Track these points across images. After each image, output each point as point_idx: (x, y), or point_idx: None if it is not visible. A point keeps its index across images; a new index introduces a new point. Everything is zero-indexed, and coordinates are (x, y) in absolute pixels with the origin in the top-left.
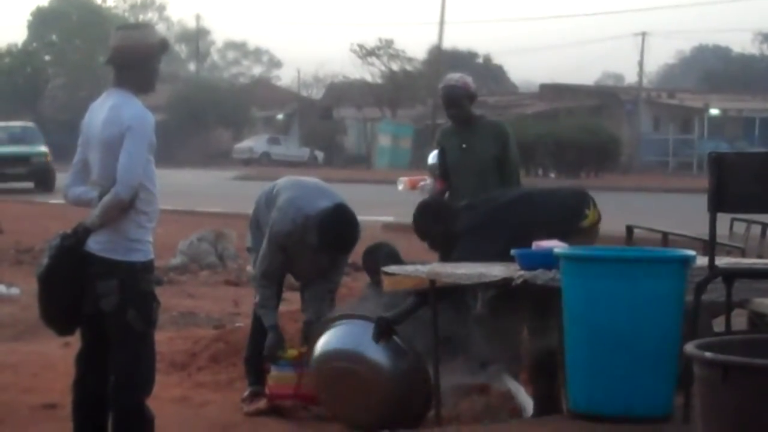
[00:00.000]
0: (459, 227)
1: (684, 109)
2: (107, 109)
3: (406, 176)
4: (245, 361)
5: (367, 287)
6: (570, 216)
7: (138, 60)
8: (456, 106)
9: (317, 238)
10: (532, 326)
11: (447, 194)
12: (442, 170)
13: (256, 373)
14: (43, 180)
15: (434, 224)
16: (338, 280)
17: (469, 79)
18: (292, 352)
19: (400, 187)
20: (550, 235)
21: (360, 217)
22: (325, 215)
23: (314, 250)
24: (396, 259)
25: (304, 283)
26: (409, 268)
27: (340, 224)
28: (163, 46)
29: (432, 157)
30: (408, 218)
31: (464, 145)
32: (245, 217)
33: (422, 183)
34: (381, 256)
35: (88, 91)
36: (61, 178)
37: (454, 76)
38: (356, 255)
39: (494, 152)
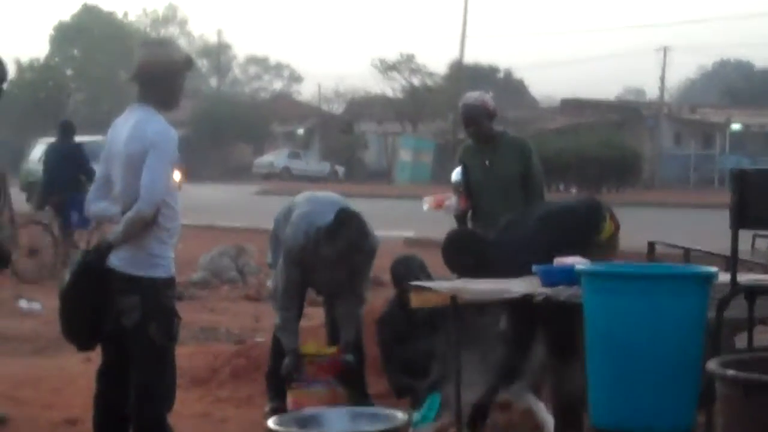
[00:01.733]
0: (489, 264)
1: (706, 124)
2: (131, 125)
3: (431, 195)
4: (266, 376)
5: (389, 304)
6: (586, 233)
7: (163, 76)
8: (475, 124)
9: (328, 247)
10: (552, 346)
11: (471, 212)
12: (466, 187)
13: (277, 389)
14: None
15: (463, 257)
16: (363, 293)
17: (487, 97)
18: (330, 350)
19: (425, 207)
20: (570, 254)
21: (382, 233)
22: (331, 223)
23: (331, 261)
24: (426, 273)
25: (328, 299)
26: (432, 284)
27: (345, 227)
28: (188, 63)
29: (455, 174)
30: (429, 233)
31: (487, 163)
32: (266, 232)
33: (447, 202)
34: (414, 267)
35: (110, 106)
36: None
37: (473, 95)
38: (376, 269)
39: (518, 169)
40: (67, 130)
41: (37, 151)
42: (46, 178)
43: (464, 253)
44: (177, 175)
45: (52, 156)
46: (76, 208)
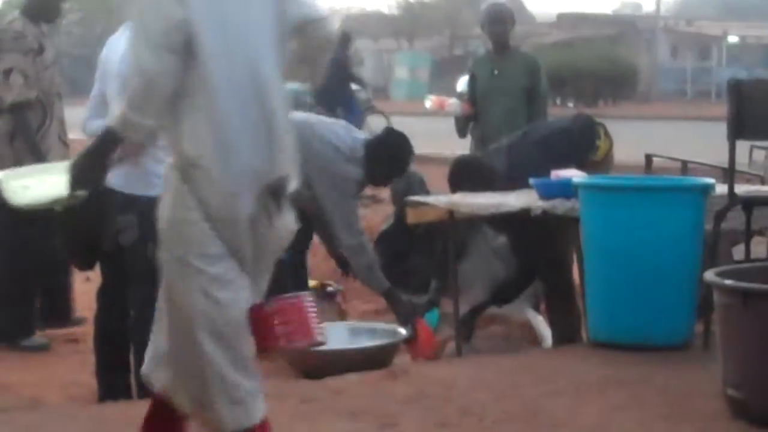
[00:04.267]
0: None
1: (702, 36)
2: (125, 43)
3: (434, 96)
4: None
5: (388, 221)
6: (583, 153)
7: None
8: (501, 23)
9: (372, 168)
10: (548, 257)
11: (472, 123)
12: (471, 97)
13: None
14: None
15: (470, 184)
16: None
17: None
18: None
19: (428, 104)
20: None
21: None
22: (379, 145)
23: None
24: (425, 190)
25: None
26: (430, 199)
27: (401, 148)
28: None
29: (462, 84)
30: (425, 149)
31: (496, 72)
32: None
33: (450, 101)
34: (414, 183)
35: (104, 26)
36: (78, 114)
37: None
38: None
39: (524, 83)
40: (345, 41)
41: None
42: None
43: (471, 180)
44: None
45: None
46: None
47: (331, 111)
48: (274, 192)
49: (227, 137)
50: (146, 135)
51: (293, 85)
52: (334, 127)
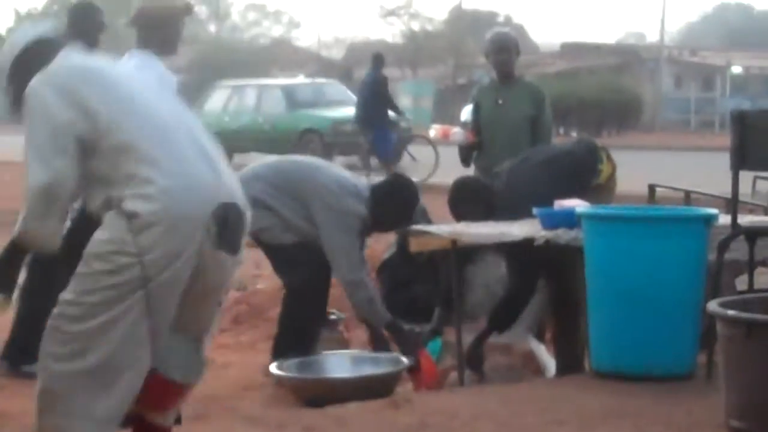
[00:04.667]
0: (495, 213)
1: (706, 67)
2: (130, 68)
3: (439, 125)
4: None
5: (390, 250)
6: (586, 176)
7: (162, 22)
8: (506, 52)
9: (376, 213)
10: (554, 286)
11: (476, 152)
12: (475, 126)
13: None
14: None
15: (471, 205)
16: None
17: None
18: None
19: (432, 134)
20: (570, 197)
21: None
22: (384, 190)
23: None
24: (427, 219)
25: None
26: (432, 228)
27: (408, 195)
28: (187, 9)
29: (466, 113)
30: (429, 178)
31: (500, 101)
32: None
33: (455, 129)
34: (416, 212)
35: (108, 53)
36: None
37: (503, 28)
38: None
39: (529, 112)
40: (378, 62)
41: (218, 97)
42: (356, 112)
43: (472, 201)
44: None
45: (362, 90)
46: (381, 142)
47: (370, 134)
48: (221, 220)
49: (171, 180)
50: (51, 234)
51: (333, 114)
52: (339, 170)
